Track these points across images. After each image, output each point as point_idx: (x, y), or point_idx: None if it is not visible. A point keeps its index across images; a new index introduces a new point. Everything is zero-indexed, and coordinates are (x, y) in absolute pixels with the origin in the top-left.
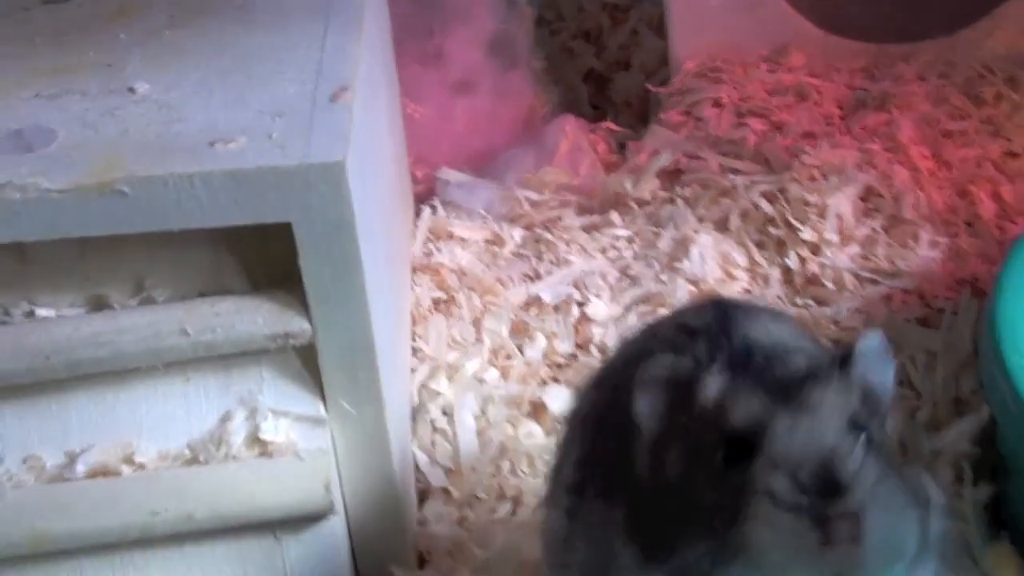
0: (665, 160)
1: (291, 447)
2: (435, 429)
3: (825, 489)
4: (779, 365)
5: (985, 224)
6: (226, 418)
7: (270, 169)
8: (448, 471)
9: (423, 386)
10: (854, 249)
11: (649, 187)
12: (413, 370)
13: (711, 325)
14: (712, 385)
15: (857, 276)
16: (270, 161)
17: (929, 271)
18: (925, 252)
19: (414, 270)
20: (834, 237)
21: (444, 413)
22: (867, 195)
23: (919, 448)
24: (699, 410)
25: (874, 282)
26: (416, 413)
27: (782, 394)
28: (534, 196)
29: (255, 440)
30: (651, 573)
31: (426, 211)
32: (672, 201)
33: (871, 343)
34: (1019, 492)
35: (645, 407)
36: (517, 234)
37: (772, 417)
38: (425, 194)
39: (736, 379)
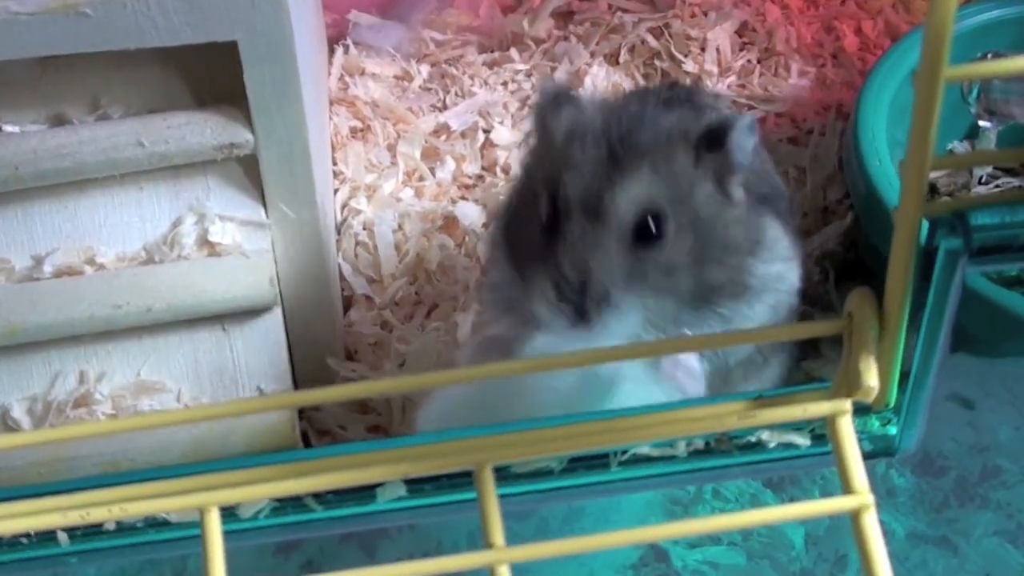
0: (558, 1)
1: (237, 247)
2: (357, 243)
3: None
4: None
5: (848, 56)
6: (177, 223)
7: None
8: (370, 280)
9: (345, 205)
10: (732, 79)
11: (544, 26)
12: (335, 191)
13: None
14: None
15: (735, 102)
16: None
17: (799, 97)
18: (795, 80)
19: (331, 103)
20: (714, 68)
21: (365, 228)
22: (743, 30)
23: None
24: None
25: (750, 107)
26: (340, 229)
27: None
28: (438, 36)
29: (204, 242)
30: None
31: (339, 50)
32: (566, 38)
33: (744, 120)
34: (879, 284)
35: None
36: (424, 70)
37: (568, 219)
38: (335, 37)
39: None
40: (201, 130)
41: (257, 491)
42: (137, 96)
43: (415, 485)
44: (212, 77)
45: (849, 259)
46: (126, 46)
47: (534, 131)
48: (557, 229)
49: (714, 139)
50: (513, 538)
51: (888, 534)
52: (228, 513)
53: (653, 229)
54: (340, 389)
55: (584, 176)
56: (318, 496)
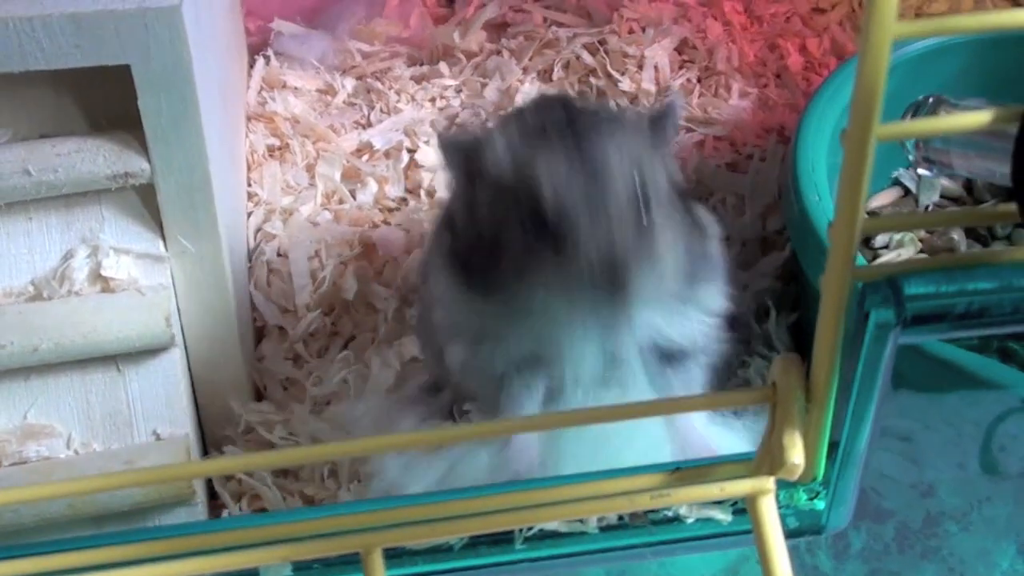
0: (491, 13)
1: (132, 283)
2: (271, 270)
3: (611, 278)
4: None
5: (792, 76)
6: (68, 256)
7: (108, 12)
8: (284, 310)
9: (259, 229)
10: (670, 98)
11: (476, 39)
12: (249, 214)
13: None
14: (499, 142)
15: None
16: (108, 4)
17: (740, 119)
18: (736, 102)
19: (248, 118)
20: (651, 87)
21: (279, 255)
22: (682, 47)
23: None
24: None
25: (688, 129)
26: (252, 255)
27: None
28: (365, 47)
29: (97, 276)
30: (475, 301)
31: (259, 61)
32: (499, 52)
33: (677, 101)
34: (814, 320)
35: (444, 160)
36: (349, 84)
37: (574, 213)
38: (259, 46)
39: (528, 144)
40: (93, 157)
41: None
42: (27, 120)
43: (302, 563)
44: (107, 101)
45: (790, 293)
46: (9, 69)
47: (460, 179)
48: (548, 240)
49: (660, 120)
50: None
51: None
52: None
53: (640, 192)
54: (244, 459)
55: (561, 162)
56: None
